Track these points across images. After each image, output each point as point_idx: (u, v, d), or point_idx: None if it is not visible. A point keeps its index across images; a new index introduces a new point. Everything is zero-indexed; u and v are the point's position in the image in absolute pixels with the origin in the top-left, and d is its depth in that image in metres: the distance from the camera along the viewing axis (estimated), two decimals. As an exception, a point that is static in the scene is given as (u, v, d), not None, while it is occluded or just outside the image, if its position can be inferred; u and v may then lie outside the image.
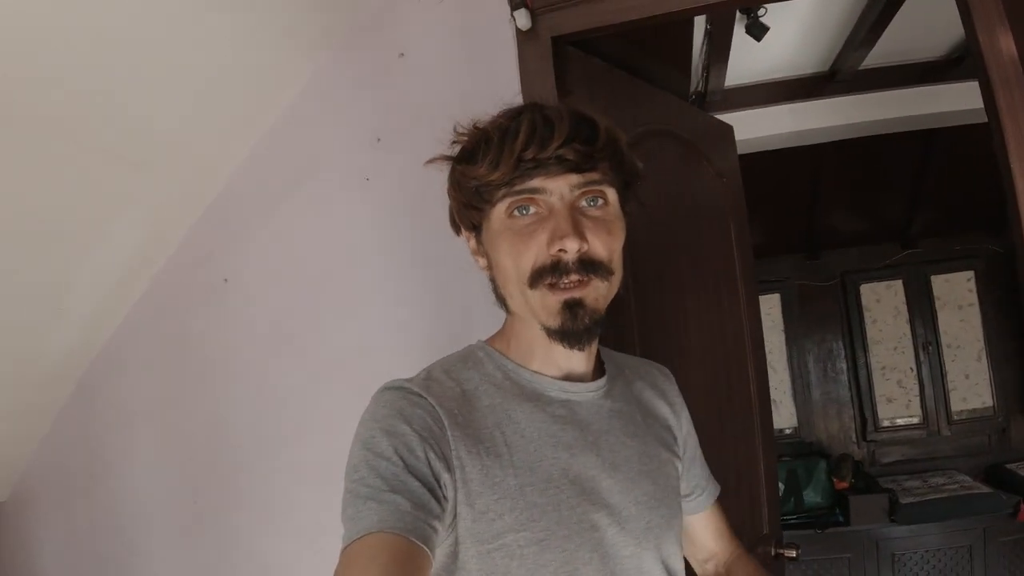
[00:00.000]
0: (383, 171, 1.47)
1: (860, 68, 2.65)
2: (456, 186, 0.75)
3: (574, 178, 0.68)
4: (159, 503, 1.56)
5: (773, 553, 1.84)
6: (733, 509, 1.74)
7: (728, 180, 2.01)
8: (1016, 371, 3.63)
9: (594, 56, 1.51)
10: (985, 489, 3.22)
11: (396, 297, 1.44)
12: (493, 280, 0.78)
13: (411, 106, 1.46)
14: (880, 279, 3.84)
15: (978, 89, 2.70)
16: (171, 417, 1.57)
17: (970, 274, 3.65)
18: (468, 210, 0.75)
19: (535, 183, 0.68)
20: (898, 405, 3.75)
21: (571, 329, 0.69)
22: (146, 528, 1.57)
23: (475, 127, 0.74)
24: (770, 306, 3.94)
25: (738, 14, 2.18)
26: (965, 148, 3.11)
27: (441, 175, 1.40)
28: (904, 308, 3.79)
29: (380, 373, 1.42)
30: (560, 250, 0.67)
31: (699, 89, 2.77)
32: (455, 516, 0.66)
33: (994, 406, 3.60)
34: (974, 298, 3.64)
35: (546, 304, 0.69)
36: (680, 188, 1.76)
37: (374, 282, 1.46)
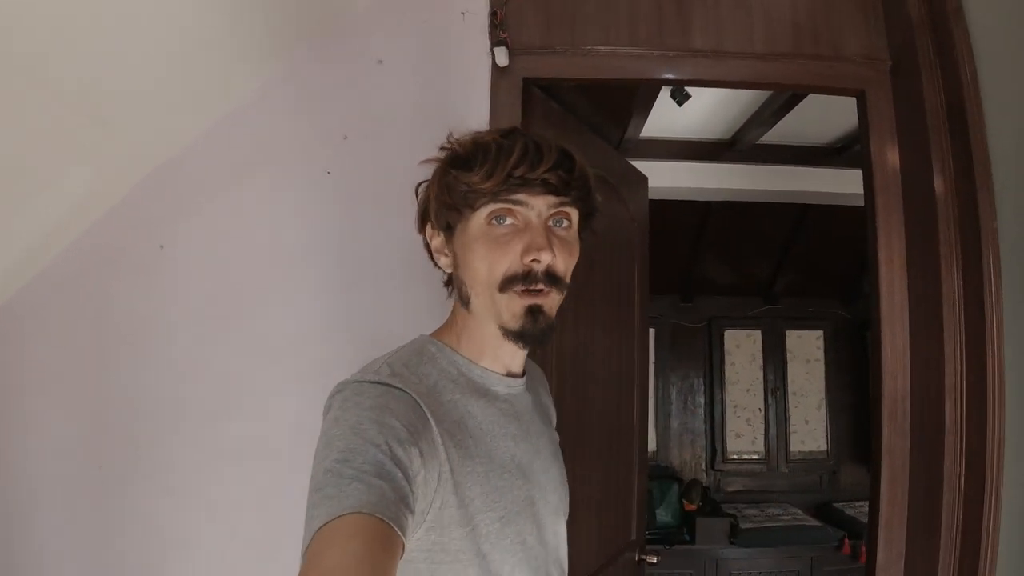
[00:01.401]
0: (345, 167, 1.49)
1: (757, 142, 3.00)
2: (445, 187, 0.80)
3: (552, 199, 0.76)
4: (57, 474, 1.46)
5: (637, 558, 2.07)
6: (611, 518, 1.96)
7: (638, 224, 2.23)
8: (849, 422, 4.21)
9: (552, 99, 1.65)
10: (815, 522, 3.70)
11: (340, 289, 1.45)
12: (456, 277, 0.83)
13: (382, 111, 1.51)
14: (742, 327, 4.30)
15: (850, 177, 3.15)
16: (80, 384, 1.48)
17: (820, 333, 4.19)
18: (448, 211, 0.80)
19: (520, 196, 0.75)
20: (745, 440, 4.20)
21: (530, 332, 0.77)
22: (39, 498, 1.47)
23: (475, 139, 0.80)
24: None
25: (665, 79, 2.43)
26: (831, 225, 3.61)
27: (400, 176, 1.48)
28: (760, 355, 4.26)
29: (314, 364, 1.46)
30: (534, 260, 0.76)
31: (620, 136, 3.01)
32: (441, 504, 0.70)
33: (828, 450, 4.15)
34: (821, 355, 4.18)
35: (511, 307, 0.77)
36: (602, 226, 1.94)
37: (320, 272, 1.46)
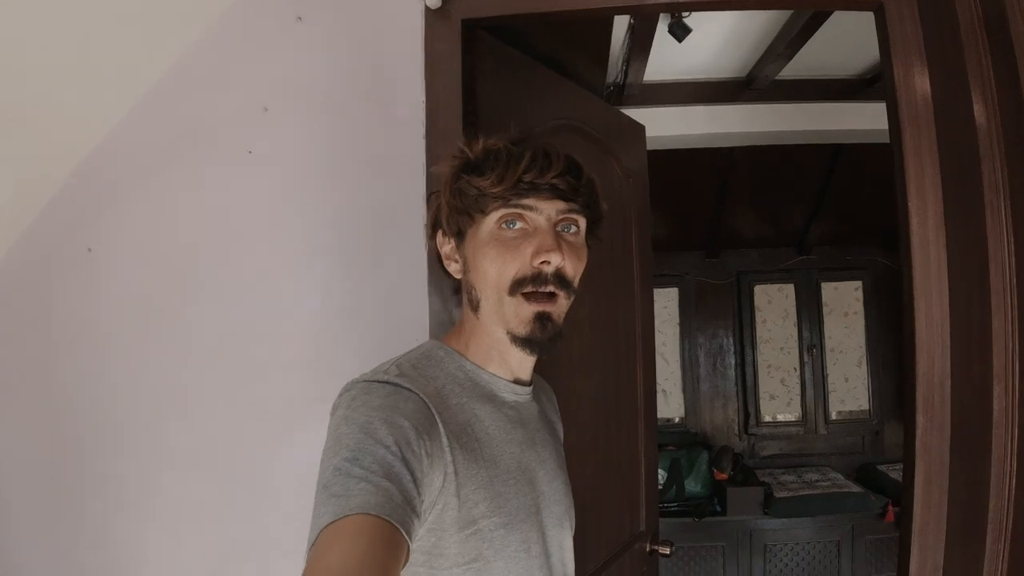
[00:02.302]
0: (268, 144, 1.31)
1: (776, 78, 2.68)
2: (457, 193, 0.81)
3: (560, 204, 0.79)
4: (13, 486, 1.39)
5: (648, 549, 1.88)
6: (614, 506, 1.77)
7: (635, 180, 1.97)
8: (892, 378, 3.90)
9: (507, 43, 1.40)
10: (856, 489, 3.45)
11: (277, 281, 1.29)
12: (466, 282, 0.85)
13: (305, 76, 1.30)
14: (773, 281, 3.99)
15: (883, 112, 2.80)
16: (25, 394, 1.38)
17: (858, 284, 3.86)
18: (460, 216, 0.82)
19: (529, 201, 0.78)
20: (780, 402, 3.95)
21: (537, 338, 0.79)
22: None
23: (486, 145, 0.81)
24: (667, 300, 4.03)
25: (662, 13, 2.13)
26: (867, 166, 3.25)
27: (328, 147, 1.28)
28: (793, 311, 3.96)
29: (256, 361, 1.31)
30: (543, 262, 0.77)
31: (617, 81, 2.72)
32: (443, 506, 0.71)
33: (870, 409, 3.86)
34: (860, 307, 3.86)
35: (519, 312, 0.79)
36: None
37: (253, 263, 1.30)
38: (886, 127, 2.86)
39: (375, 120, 1.28)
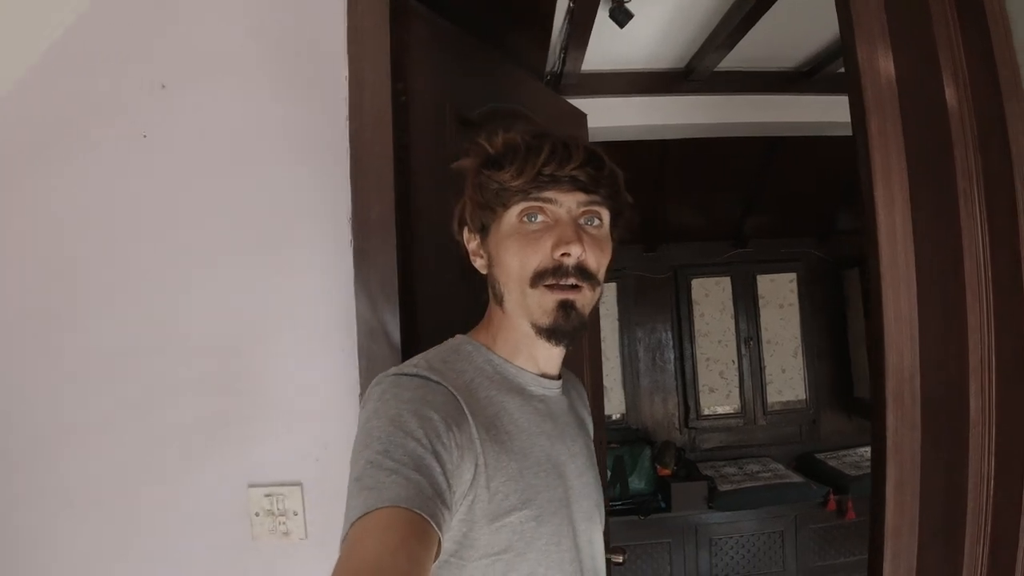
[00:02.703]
0: (166, 126, 1.12)
1: (715, 70, 2.63)
2: (478, 188, 0.82)
3: (581, 196, 0.79)
4: None
5: (603, 560, 1.78)
6: None
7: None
8: (827, 367, 3.99)
9: (442, 16, 1.26)
10: (797, 479, 3.49)
11: (177, 286, 1.10)
12: (491, 276, 0.85)
13: (210, 49, 1.12)
14: (710, 275, 4.01)
15: (823, 103, 2.80)
16: None
17: (793, 276, 3.92)
18: (483, 211, 0.82)
19: (549, 194, 0.78)
20: (719, 395, 3.97)
21: (562, 328, 0.79)
22: None
23: (505, 139, 0.81)
24: (606, 295, 3.98)
25: (602, -1, 2.03)
26: (802, 159, 3.28)
27: (233, 129, 1.10)
28: (730, 304, 3.99)
29: (155, 381, 1.12)
30: (564, 254, 0.77)
31: (555, 70, 2.61)
32: (474, 498, 0.71)
33: (806, 399, 3.93)
34: (794, 298, 3.92)
35: (542, 303, 0.78)
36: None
37: (148, 265, 1.11)
38: (822, 119, 2.87)
39: (291, 99, 1.11)
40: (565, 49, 2.40)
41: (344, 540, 0.59)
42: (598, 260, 0.80)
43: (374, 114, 1.07)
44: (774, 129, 2.89)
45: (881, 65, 1.11)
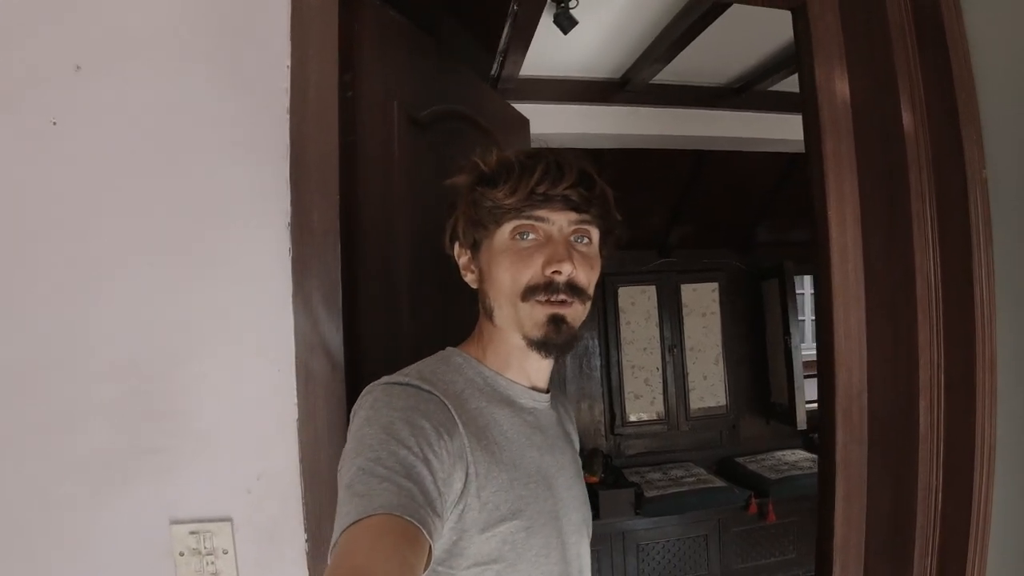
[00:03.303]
0: (80, 113, 0.96)
1: (650, 82, 2.67)
2: (472, 204, 0.83)
3: (572, 215, 0.80)
4: None
5: None
6: None
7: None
8: (746, 374, 4.14)
9: (397, 11, 1.18)
10: (720, 483, 3.59)
11: (87, 296, 0.95)
12: (481, 291, 0.86)
13: (134, 27, 0.97)
14: (637, 283, 4.07)
15: (750, 120, 2.88)
16: None
17: (715, 285, 4.04)
18: (475, 227, 0.84)
19: (542, 213, 0.79)
20: (644, 401, 4.03)
21: (553, 341, 0.79)
22: None
23: (499, 158, 0.83)
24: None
25: (548, 2, 2.00)
26: (726, 172, 3.39)
27: (165, 125, 0.97)
28: (655, 312, 4.06)
29: (61, 405, 0.95)
30: (555, 272, 0.78)
31: (493, 74, 2.57)
32: (464, 507, 0.71)
33: (726, 405, 4.05)
34: (716, 307, 4.04)
35: (534, 316, 0.79)
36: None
37: (54, 273, 0.94)
38: (748, 135, 2.96)
39: (225, 88, 0.98)
40: (505, 53, 2.36)
41: (334, 547, 0.59)
42: (588, 276, 0.81)
43: (318, 108, 0.97)
44: (703, 143, 2.96)
45: (837, 87, 1.13)
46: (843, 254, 1.12)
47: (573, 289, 0.79)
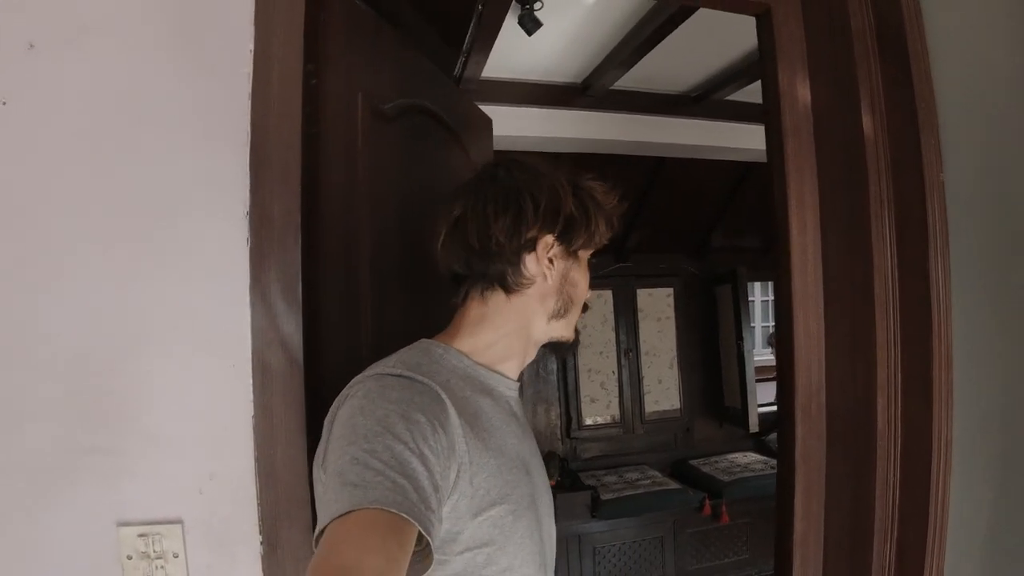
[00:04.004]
0: (31, 93, 0.89)
1: (611, 88, 2.69)
2: (587, 218, 0.89)
3: None
4: None
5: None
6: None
7: (483, 172, 1.81)
8: (700, 378, 4.21)
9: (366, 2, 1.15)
10: (675, 485, 3.63)
11: (29, 287, 0.88)
12: (551, 289, 0.89)
13: (89, 5, 0.91)
14: (593, 287, 4.04)
15: (708, 128, 2.94)
16: None
17: (670, 291, 4.11)
18: (582, 237, 0.89)
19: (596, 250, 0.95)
20: (600, 405, 4.06)
21: (574, 343, 0.97)
22: None
23: (604, 190, 0.94)
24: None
25: (513, 3, 1.99)
26: (682, 179, 3.44)
27: (120, 108, 0.91)
28: (611, 316, 4.10)
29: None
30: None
31: (455, 74, 2.55)
32: (458, 496, 0.72)
33: (681, 408, 4.11)
34: (671, 312, 4.10)
35: (576, 325, 0.95)
36: (435, 177, 1.49)
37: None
38: (705, 143, 3.02)
39: (185, 72, 0.93)
40: (468, 52, 2.34)
41: (322, 535, 0.58)
42: None
43: (281, 95, 0.93)
44: (661, 149, 3.01)
45: (799, 92, 1.15)
46: (803, 255, 1.14)
47: None
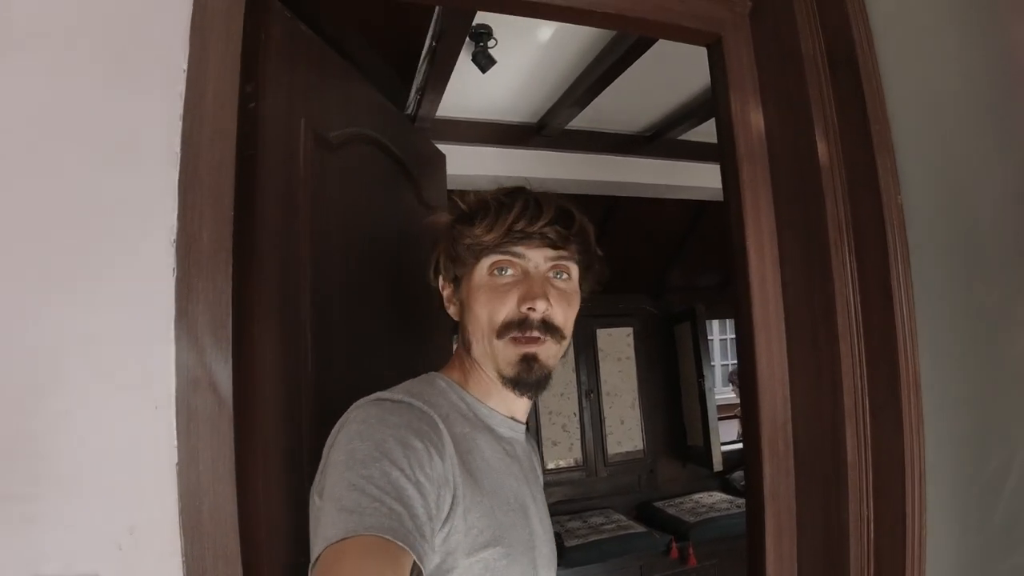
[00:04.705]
0: None
1: (565, 127, 2.71)
2: (452, 241, 0.87)
3: (550, 252, 0.83)
4: None
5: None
6: None
7: (433, 210, 1.76)
8: (662, 417, 4.17)
9: (310, 26, 1.10)
10: (640, 528, 3.54)
11: None
12: (461, 325, 0.88)
13: (8, 13, 0.84)
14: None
15: (660, 167, 2.97)
16: None
17: (629, 330, 4.09)
18: (454, 264, 0.87)
19: (519, 249, 0.82)
20: (562, 448, 3.96)
21: (525, 379, 0.82)
22: None
23: (478, 196, 0.87)
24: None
25: (467, 40, 1.99)
26: (639, 218, 3.47)
27: (40, 123, 0.83)
28: (572, 357, 4.05)
29: None
30: (530, 308, 0.81)
31: (410, 113, 2.53)
32: (451, 528, 0.71)
33: (644, 449, 4.05)
34: (631, 352, 4.08)
35: (507, 355, 0.82)
36: (386, 211, 1.43)
37: None
38: (659, 182, 3.05)
39: (114, 89, 0.86)
40: (423, 90, 2.33)
41: (317, 561, 0.59)
42: (564, 314, 0.84)
43: (216, 114, 0.86)
44: (616, 188, 3.03)
45: (752, 118, 1.15)
46: (762, 284, 1.12)
47: (547, 327, 0.81)
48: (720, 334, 5.36)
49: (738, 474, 3.89)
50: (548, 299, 0.80)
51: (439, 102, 2.40)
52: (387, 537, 0.58)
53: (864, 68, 0.95)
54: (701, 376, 3.85)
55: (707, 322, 4.07)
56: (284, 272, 0.97)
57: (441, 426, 0.74)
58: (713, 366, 4.44)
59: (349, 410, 0.75)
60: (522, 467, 0.88)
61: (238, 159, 0.88)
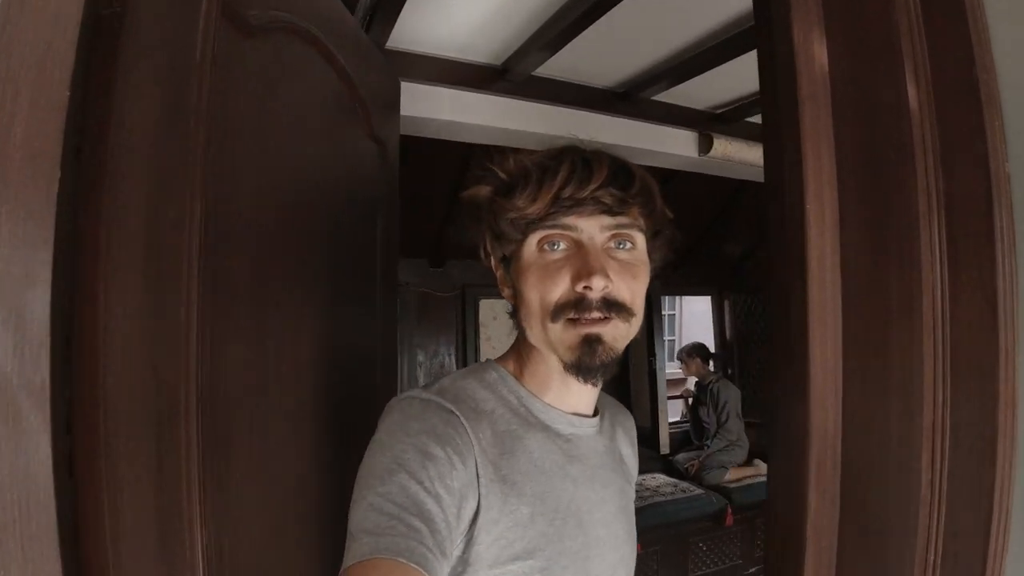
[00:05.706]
0: None
1: (532, 73, 2.40)
2: (492, 216, 0.77)
3: (606, 220, 0.72)
4: None
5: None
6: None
7: (386, 153, 1.44)
8: (610, 395, 3.99)
9: None
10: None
11: None
12: (516, 310, 0.80)
13: None
14: (499, 296, 3.80)
15: (631, 128, 2.70)
16: None
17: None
18: (500, 241, 0.77)
19: (569, 220, 0.72)
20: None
21: (588, 364, 0.72)
22: None
23: (517, 161, 0.75)
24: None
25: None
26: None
27: None
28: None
29: None
30: (586, 287, 0.70)
31: (355, 42, 2.16)
32: (471, 538, 0.67)
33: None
34: (577, 320, 3.88)
35: (566, 338, 0.72)
36: (324, 141, 1.10)
37: None
38: (630, 144, 2.79)
39: None
40: (370, 18, 1.96)
41: None
42: (630, 288, 0.73)
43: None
44: (580, 145, 2.75)
45: (816, 51, 0.89)
46: (822, 262, 0.87)
47: (609, 305, 0.71)
48: (669, 309, 5.26)
49: (681, 456, 3.76)
50: (607, 274, 0.70)
51: (391, 31, 2.05)
52: (401, 560, 0.56)
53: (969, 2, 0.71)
54: (652, 355, 3.68)
55: (661, 298, 3.90)
56: (157, 205, 0.63)
57: (468, 429, 0.69)
58: (664, 342, 4.32)
59: (384, 409, 0.72)
60: (585, 466, 0.79)
61: (88, 15, 0.54)
